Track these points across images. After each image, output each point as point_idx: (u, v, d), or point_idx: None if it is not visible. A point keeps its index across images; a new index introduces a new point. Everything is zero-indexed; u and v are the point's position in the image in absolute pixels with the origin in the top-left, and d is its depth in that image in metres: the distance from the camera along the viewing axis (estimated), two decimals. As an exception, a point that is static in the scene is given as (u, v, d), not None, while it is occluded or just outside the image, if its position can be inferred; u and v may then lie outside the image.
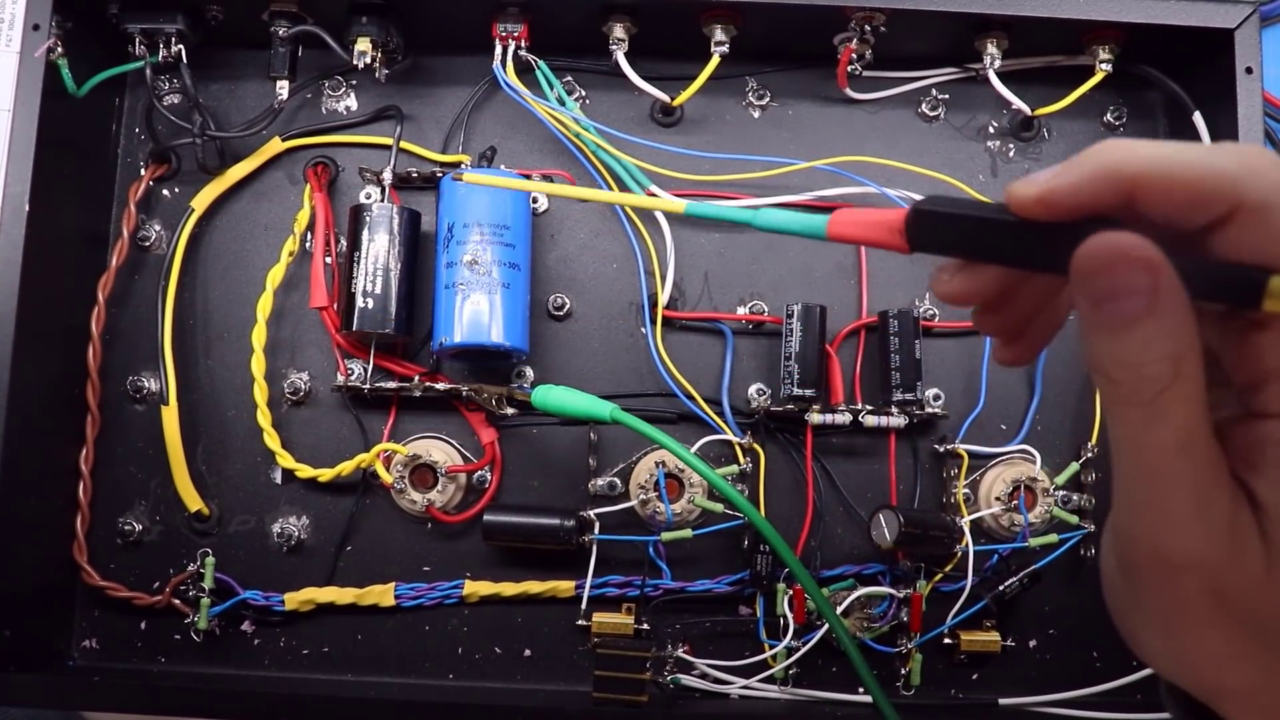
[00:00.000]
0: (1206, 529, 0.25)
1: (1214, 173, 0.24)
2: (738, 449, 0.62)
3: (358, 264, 0.61)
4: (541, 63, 0.63)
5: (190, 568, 0.62)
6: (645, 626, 0.61)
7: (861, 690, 0.62)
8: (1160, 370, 0.24)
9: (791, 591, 0.61)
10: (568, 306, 0.65)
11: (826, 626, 0.60)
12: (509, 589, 0.62)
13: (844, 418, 0.61)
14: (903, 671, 0.62)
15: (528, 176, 0.63)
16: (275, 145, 0.65)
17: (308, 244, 0.64)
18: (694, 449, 0.59)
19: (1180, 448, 0.24)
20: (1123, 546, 0.27)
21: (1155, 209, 0.25)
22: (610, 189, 0.64)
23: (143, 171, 0.65)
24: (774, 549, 0.53)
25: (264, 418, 0.63)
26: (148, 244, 0.65)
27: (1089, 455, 0.63)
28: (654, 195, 0.63)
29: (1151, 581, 0.26)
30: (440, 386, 0.62)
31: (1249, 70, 0.60)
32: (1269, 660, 0.25)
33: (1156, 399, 0.24)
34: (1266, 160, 0.24)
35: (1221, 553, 0.25)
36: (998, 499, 0.62)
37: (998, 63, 0.62)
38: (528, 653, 0.63)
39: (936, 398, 0.64)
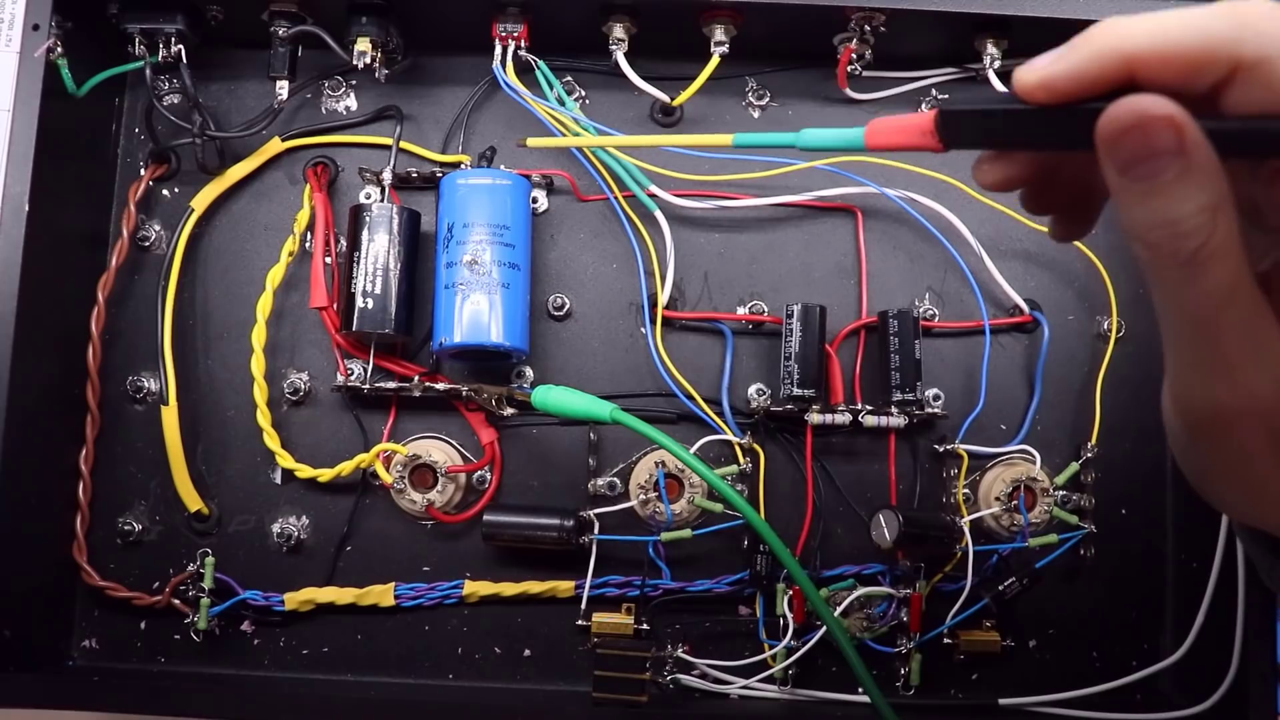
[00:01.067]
0: (1260, 373, 0.25)
1: (1209, 38, 0.24)
2: (737, 449, 0.62)
3: (357, 264, 0.61)
4: (541, 63, 0.63)
5: (190, 568, 0.62)
6: (645, 626, 0.61)
7: (861, 690, 0.62)
8: (1197, 224, 0.24)
9: (791, 592, 0.61)
10: (567, 306, 0.65)
11: (826, 627, 0.60)
12: (509, 589, 0.62)
13: (844, 418, 0.61)
14: (902, 671, 0.62)
15: (527, 177, 0.63)
16: (275, 145, 0.65)
17: (307, 244, 0.64)
18: (694, 449, 0.59)
19: (1225, 299, 0.25)
20: (1182, 407, 0.27)
21: (1158, 81, 0.25)
22: (610, 188, 0.64)
23: (143, 171, 0.65)
24: (772, 549, 0.53)
25: (264, 418, 0.63)
26: (147, 244, 0.65)
27: (1089, 455, 0.63)
28: (700, 137, 0.63)
29: (1216, 434, 0.27)
30: (440, 386, 0.62)
31: (1249, 70, 0.59)
32: None
33: (1196, 254, 0.25)
34: (1259, 13, 0.24)
35: (1277, 393, 0.25)
36: (997, 499, 0.62)
37: (998, 63, 0.62)
38: (527, 653, 0.63)
39: (936, 398, 0.64)
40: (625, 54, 0.62)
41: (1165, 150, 0.24)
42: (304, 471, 0.62)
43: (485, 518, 0.61)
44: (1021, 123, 0.27)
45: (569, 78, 0.66)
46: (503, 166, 0.64)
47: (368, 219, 0.61)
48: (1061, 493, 0.63)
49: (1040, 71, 0.27)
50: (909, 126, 0.30)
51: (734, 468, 0.61)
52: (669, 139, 0.64)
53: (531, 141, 0.53)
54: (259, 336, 0.62)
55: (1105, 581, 0.64)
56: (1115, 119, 0.25)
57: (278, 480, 0.64)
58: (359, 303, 0.60)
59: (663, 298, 0.63)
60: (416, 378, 0.62)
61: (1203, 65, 0.25)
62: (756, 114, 0.66)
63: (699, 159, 0.64)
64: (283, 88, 0.63)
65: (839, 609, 0.60)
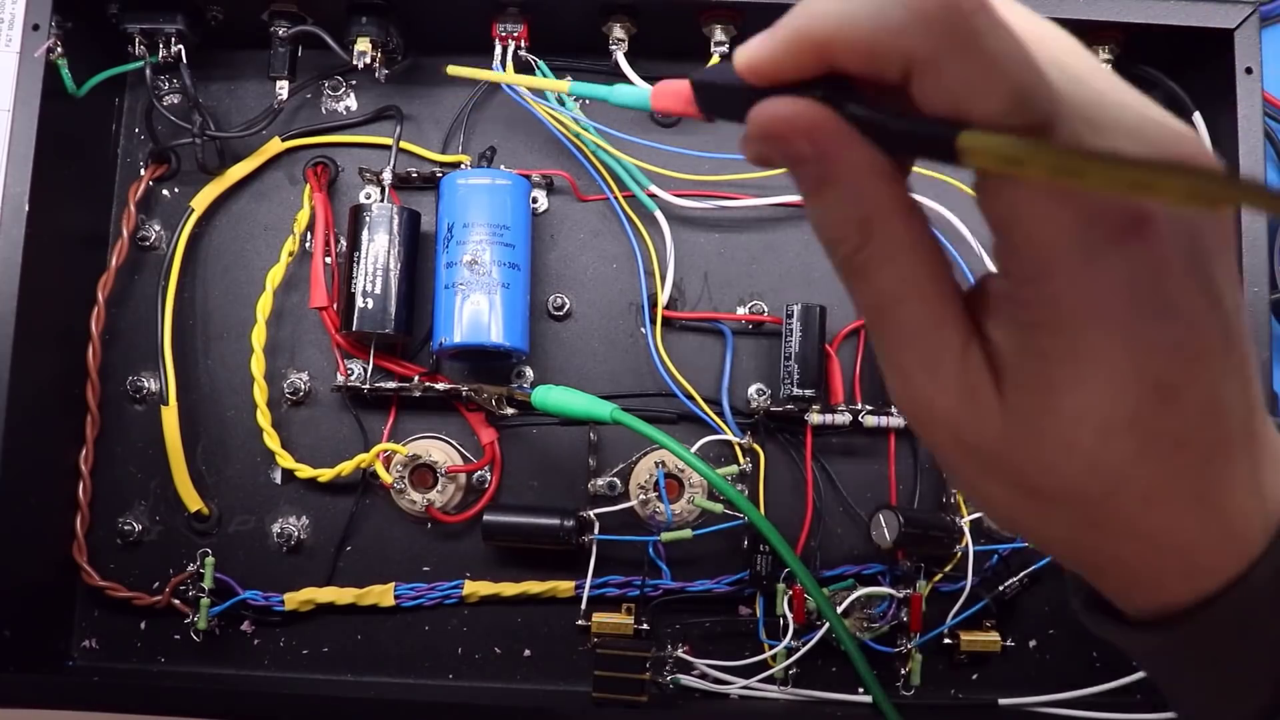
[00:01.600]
0: (936, 385, 0.24)
1: (885, 30, 0.22)
2: (737, 449, 0.62)
3: (357, 264, 0.61)
4: (541, 63, 0.63)
5: (190, 568, 0.62)
6: (645, 626, 0.61)
7: (862, 690, 0.62)
8: (846, 234, 0.23)
9: (791, 591, 0.61)
10: (567, 306, 0.65)
11: (827, 626, 0.60)
12: (509, 589, 0.62)
13: (844, 418, 0.61)
14: (903, 671, 0.62)
15: (527, 177, 0.63)
16: (275, 145, 0.65)
17: (307, 244, 0.64)
18: (694, 449, 0.59)
19: (884, 307, 0.24)
20: (891, 398, 0.27)
21: (851, 70, 0.23)
22: (609, 188, 0.64)
23: (143, 171, 0.65)
24: (774, 548, 0.53)
25: (264, 418, 0.63)
26: (147, 244, 0.65)
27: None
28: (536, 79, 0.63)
29: (920, 436, 0.26)
30: (440, 386, 0.62)
31: (1249, 70, 0.60)
32: (1039, 509, 0.24)
33: (850, 261, 0.24)
34: (937, 7, 0.21)
35: (956, 407, 0.24)
36: (997, 499, 0.62)
37: (997, 63, 0.62)
38: (527, 653, 0.63)
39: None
40: (625, 54, 0.62)
41: (806, 159, 0.23)
42: (304, 471, 0.62)
43: (485, 518, 0.61)
44: (752, 101, 0.25)
45: (569, 77, 0.66)
46: (503, 166, 0.64)
47: (368, 219, 0.61)
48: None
49: (746, 54, 0.24)
50: (680, 92, 0.29)
51: (734, 468, 0.61)
52: (516, 79, 0.61)
53: (452, 70, 0.54)
54: (259, 336, 0.62)
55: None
56: (753, 122, 0.23)
57: (278, 480, 0.64)
58: (359, 303, 0.60)
59: (663, 298, 0.63)
60: (416, 378, 0.62)
61: (880, 58, 0.22)
62: (756, 114, 0.66)
63: (698, 159, 0.64)
64: (283, 88, 0.63)
65: (840, 609, 0.60)
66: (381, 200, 0.63)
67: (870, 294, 0.24)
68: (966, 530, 0.60)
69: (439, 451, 0.62)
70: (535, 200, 0.65)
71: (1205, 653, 0.25)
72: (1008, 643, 0.62)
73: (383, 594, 0.62)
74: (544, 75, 0.63)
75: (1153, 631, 0.25)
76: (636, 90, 0.35)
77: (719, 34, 0.61)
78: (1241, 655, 0.25)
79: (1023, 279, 0.23)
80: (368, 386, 0.62)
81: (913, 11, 0.21)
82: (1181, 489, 0.23)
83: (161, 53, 0.61)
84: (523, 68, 0.63)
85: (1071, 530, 0.24)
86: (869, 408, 0.62)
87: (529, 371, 0.64)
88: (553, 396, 0.59)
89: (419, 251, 0.63)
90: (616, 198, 0.64)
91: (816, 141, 0.23)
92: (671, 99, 0.29)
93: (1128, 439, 0.22)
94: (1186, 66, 0.63)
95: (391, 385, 0.62)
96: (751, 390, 0.64)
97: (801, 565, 0.55)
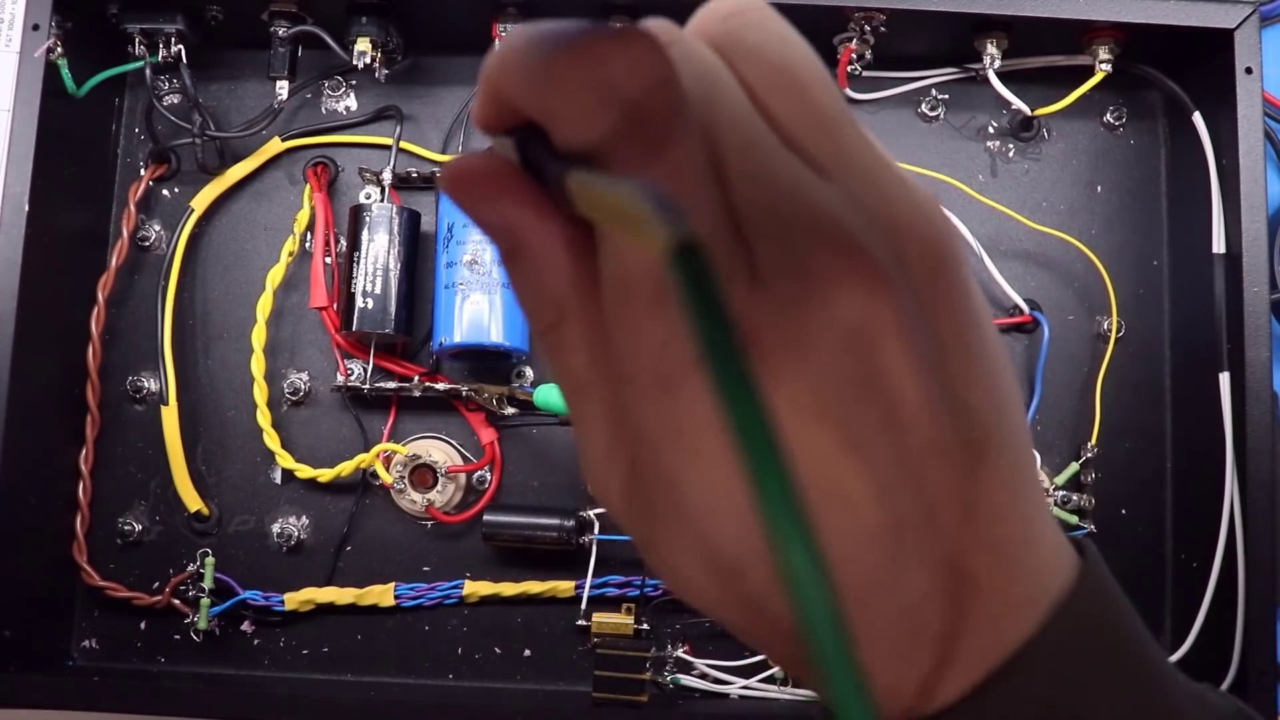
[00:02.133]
0: (608, 474, 0.21)
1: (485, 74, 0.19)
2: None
3: (357, 264, 0.61)
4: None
5: (190, 568, 0.62)
6: (645, 626, 0.61)
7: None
8: (540, 309, 0.20)
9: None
10: (567, 306, 0.65)
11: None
12: (509, 589, 0.62)
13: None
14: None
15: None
16: (275, 145, 0.65)
17: (307, 244, 0.64)
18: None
19: (572, 389, 0.21)
20: None
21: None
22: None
23: (142, 171, 0.65)
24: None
25: (264, 418, 0.63)
26: (147, 244, 0.65)
27: (1089, 455, 0.63)
28: None
29: None
30: (440, 386, 0.62)
31: (1249, 70, 0.60)
32: (641, 511, 0.21)
33: (544, 339, 0.20)
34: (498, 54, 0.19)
35: (621, 502, 0.21)
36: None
37: (997, 63, 0.62)
38: (527, 653, 0.63)
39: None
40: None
41: (488, 225, 0.20)
42: (304, 471, 0.62)
43: (485, 518, 0.61)
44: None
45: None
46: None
47: (368, 219, 0.61)
48: (1061, 493, 0.63)
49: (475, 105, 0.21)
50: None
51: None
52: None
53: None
54: (259, 336, 0.62)
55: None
56: (439, 180, 0.21)
57: (278, 480, 0.64)
58: (359, 303, 0.60)
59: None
60: (416, 378, 0.62)
61: (492, 104, 0.19)
62: (756, 114, 0.66)
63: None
64: (283, 88, 0.63)
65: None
66: (381, 200, 0.63)
67: (561, 371, 0.21)
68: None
69: (439, 451, 0.63)
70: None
71: None
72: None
73: (383, 594, 0.62)
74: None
75: None
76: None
77: (719, 34, 0.61)
78: None
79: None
80: (368, 386, 0.62)
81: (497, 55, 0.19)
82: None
83: (161, 53, 0.61)
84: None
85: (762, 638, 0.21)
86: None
87: (529, 371, 0.64)
88: (556, 396, 0.59)
89: (419, 251, 0.63)
90: (616, 198, 0.64)
91: (499, 208, 0.19)
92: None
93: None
94: (1186, 66, 0.63)
95: (391, 385, 0.62)
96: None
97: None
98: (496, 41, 0.62)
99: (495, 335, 0.59)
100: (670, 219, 0.14)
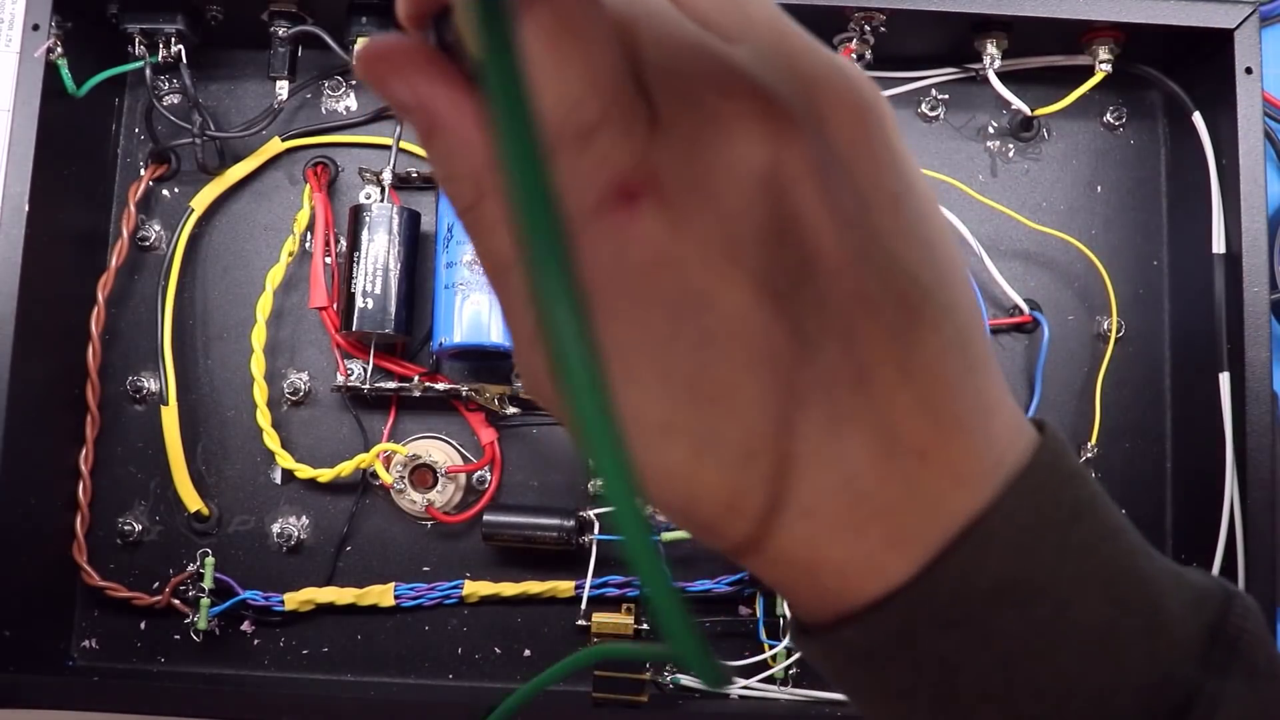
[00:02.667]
0: (538, 359, 0.20)
1: None
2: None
3: (357, 264, 0.61)
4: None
5: (190, 568, 0.62)
6: (645, 626, 0.61)
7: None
8: (461, 189, 0.20)
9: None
10: (567, 306, 0.65)
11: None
12: (509, 589, 0.62)
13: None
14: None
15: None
16: (275, 145, 0.65)
17: (307, 244, 0.64)
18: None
19: (497, 269, 0.20)
20: None
21: None
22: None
23: (142, 171, 0.65)
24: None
25: (264, 418, 0.63)
26: (147, 244, 0.65)
27: (1088, 455, 0.63)
28: None
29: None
30: (440, 387, 0.62)
31: (1249, 70, 0.60)
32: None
33: (467, 216, 0.20)
34: None
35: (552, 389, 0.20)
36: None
37: (997, 63, 0.62)
38: (528, 653, 0.63)
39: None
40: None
41: (404, 105, 0.19)
42: (304, 471, 0.63)
43: (485, 518, 0.61)
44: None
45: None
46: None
47: (368, 219, 0.61)
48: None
49: None
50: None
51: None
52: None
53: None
54: (259, 336, 0.62)
55: (1105, 581, 0.64)
56: (355, 60, 0.20)
57: (277, 480, 0.64)
58: (359, 303, 0.61)
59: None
60: (416, 378, 0.63)
61: None
62: (756, 114, 0.66)
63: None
64: (283, 88, 0.63)
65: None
66: (381, 200, 0.63)
67: (484, 252, 0.20)
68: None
69: (439, 452, 0.63)
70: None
71: (857, 666, 0.21)
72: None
73: (382, 594, 0.62)
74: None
75: (813, 638, 0.21)
76: None
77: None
78: (898, 672, 0.20)
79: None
80: (368, 386, 0.62)
81: None
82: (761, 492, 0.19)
83: (161, 53, 0.61)
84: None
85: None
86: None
87: (529, 371, 0.64)
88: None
89: (419, 252, 0.63)
90: (616, 198, 0.64)
91: (413, 84, 0.19)
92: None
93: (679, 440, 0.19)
94: (1186, 66, 0.63)
95: (391, 385, 0.62)
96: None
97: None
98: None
99: (495, 335, 0.59)
100: None
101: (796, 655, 0.60)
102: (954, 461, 0.19)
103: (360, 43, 0.20)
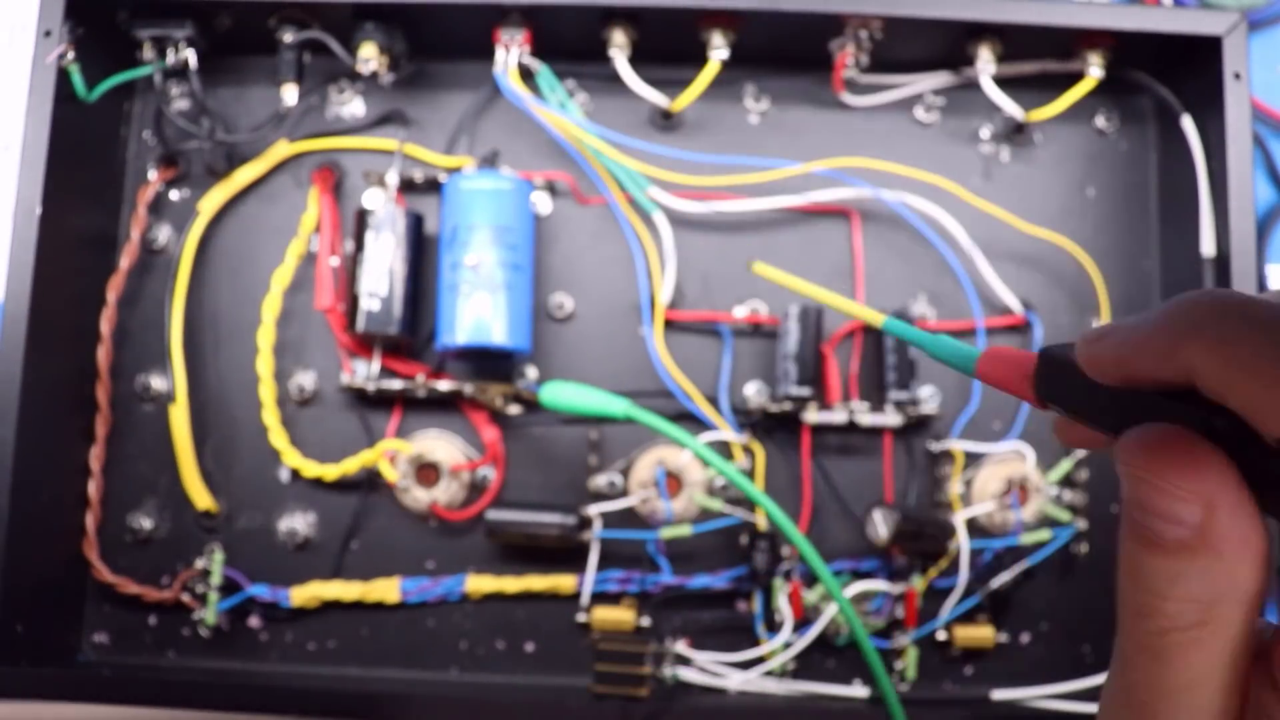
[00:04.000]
0: None
1: (1158, 345, 0.19)
2: (736, 448, 0.63)
3: (363, 266, 0.62)
4: (544, 68, 0.64)
5: (199, 564, 0.63)
6: (645, 622, 0.62)
7: (859, 683, 0.63)
8: (1181, 610, 0.18)
9: (789, 587, 0.62)
10: (569, 308, 0.66)
11: (825, 621, 0.61)
12: (511, 585, 0.63)
13: (840, 417, 0.62)
14: (898, 666, 0.63)
15: (529, 180, 0.64)
16: (282, 149, 0.66)
17: (314, 246, 0.65)
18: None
19: (1172, 689, 0.19)
20: None
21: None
22: (610, 191, 0.65)
23: (152, 175, 0.66)
24: (792, 542, 0.53)
25: (271, 416, 0.64)
26: (157, 246, 0.66)
27: (1081, 453, 0.64)
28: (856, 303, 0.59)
29: None
30: (444, 386, 0.63)
31: (1237, 76, 0.61)
32: None
33: (1165, 637, 0.19)
34: (1207, 313, 0.17)
35: None
36: (991, 496, 0.63)
37: (991, 68, 0.63)
38: (530, 647, 0.64)
39: (931, 397, 0.65)
40: (627, 60, 0.63)
41: (1178, 520, 0.18)
42: (310, 469, 0.63)
43: (488, 515, 0.62)
44: (1096, 397, 0.21)
45: (571, 82, 0.67)
46: (505, 170, 0.65)
47: (373, 221, 0.62)
48: (1054, 490, 0.64)
49: (1089, 348, 0.21)
50: (1013, 363, 0.25)
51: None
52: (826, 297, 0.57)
53: (758, 268, 0.50)
54: (266, 337, 0.63)
55: (1098, 576, 0.65)
56: (1131, 453, 0.19)
57: (285, 478, 0.65)
58: (364, 304, 0.61)
59: (663, 299, 0.64)
60: (421, 377, 0.63)
61: (1159, 378, 0.18)
62: (754, 118, 0.68)
63: (698, 162, 0.65)
64: (290, 92, 0.64)
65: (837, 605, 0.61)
66: (386, 203, 0.64)
67: (1164, 675, 0.19)
68: (960, 527, 0.61)
69: (443, 450, 0.64)
70: (537, 203, 0.66)
71: None
72: (1001, 637, 0.63)
73: (388, 589, 0.63)
74: (546, 81, 0.64)
75: None
76: (957, 346, 0.30)
77: (718, 40, 0.62)
78: None
79: None
80: (373, 386, 0.63)
81: (1188, 319, 0.18)
82: None
83: (171, 58, 0.62)
84: (525, 73, 0.64)
85: None
86: (865, 406, 0.63)
87: (531, 372, 0.65)
88: (563, 394, 0.60)
89: (423, 253, 0.64)
90: (617, 200, 0.65)
91: (1208, 504, 0.18)
92: (1002, 370, 0.26)
93: None
94: (1176, 72, 0.64)
95: (396, 385, 0.63)
96: (749, 389, 0.65)
97: (819, 559, 0.55)
98: (500, 48, 0.63)
99: (498, 336, 0.60)
100: None
101: (794, 650, 0.61)
102: None
103: (1128, 434, 0.20)
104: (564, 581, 0.63)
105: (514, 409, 0.64)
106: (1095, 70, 0.63)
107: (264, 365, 0.63)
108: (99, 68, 0.62)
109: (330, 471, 0.63)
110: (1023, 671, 0.64)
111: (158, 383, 0.65)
